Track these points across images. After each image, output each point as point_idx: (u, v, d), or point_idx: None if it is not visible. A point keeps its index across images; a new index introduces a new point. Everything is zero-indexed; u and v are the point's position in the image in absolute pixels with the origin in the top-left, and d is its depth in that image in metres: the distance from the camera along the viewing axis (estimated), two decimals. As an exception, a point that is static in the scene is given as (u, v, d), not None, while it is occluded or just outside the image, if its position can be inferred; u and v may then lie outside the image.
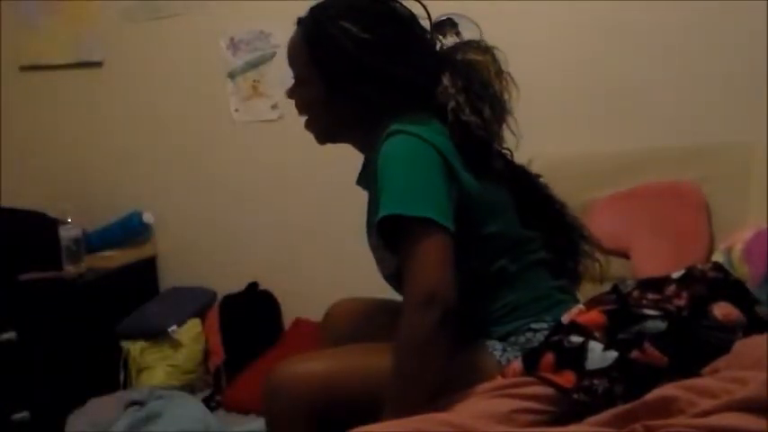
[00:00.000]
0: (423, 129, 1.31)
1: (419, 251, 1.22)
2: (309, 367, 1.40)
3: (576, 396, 1.11)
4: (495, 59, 1.43)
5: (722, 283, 1.27)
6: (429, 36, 1.43)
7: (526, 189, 1.49)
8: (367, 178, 1.48)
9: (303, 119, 1.49)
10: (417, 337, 1.21)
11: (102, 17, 2.80)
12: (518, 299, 1.37)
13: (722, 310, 1.19)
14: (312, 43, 1.40)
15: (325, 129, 1.47)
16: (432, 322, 1.20)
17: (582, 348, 1.15)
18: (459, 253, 1.25)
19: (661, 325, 1.16)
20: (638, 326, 1.16)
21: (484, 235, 1.35)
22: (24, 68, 2.93)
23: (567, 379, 1.13)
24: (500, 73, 1.42)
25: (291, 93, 1.47)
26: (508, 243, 1.39)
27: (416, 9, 1.44)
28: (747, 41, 2.07)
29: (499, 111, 1.40)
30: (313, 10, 1.45)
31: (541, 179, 1.54)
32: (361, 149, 1.51)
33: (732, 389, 0.94)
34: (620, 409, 1.01)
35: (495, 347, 1.35)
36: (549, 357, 1.17)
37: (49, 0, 2.83)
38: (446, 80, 1.36)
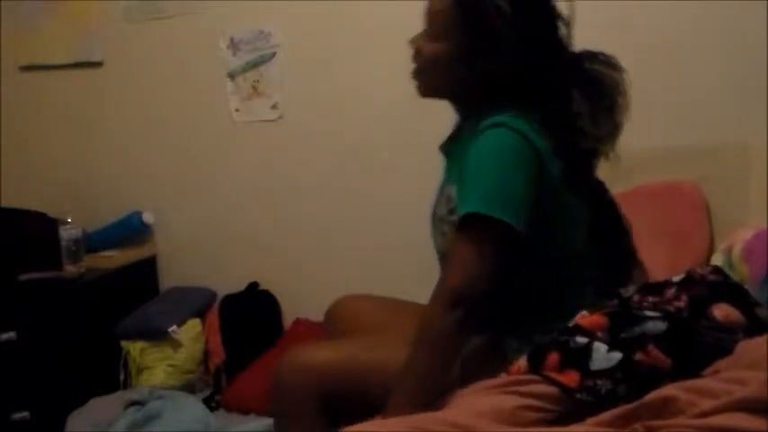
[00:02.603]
0: (527, 127, 1.31)
1: (479, 249, 1.23)
2: (319, 355, 1.41)
3: (579, 396, 1.12)
4: (623, 80, 1.44)
5: (722, 285, 1.27)
6: (564, 37, 1.44)
7: (601, 207, 1.49)
8: (451, 146, 1.50)
9: (412, 67, 1.48)
10: (436, 334, 1.23)
11: (102, 17, 2.80)
12: (552, 309, 1.35)
13: (722, 311, 1.19)
14: (463, 4, 1.38)
15: (437, 86, 1.47)
16: (453, 322, 1.22)
17: (587, 349, 1.16)
18: (516, 253, 1.26)
19: (661, 326, 1.17)
20: (639, 327, 1.17)
21: (547, 242, 1.35)
22: (24, 68, 2.93)
23: (572, 378, 1.13)
24: (624, 94, 1.43)
25: (418, 42, 1.46)
26: (566, 255, 1.40)
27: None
28: (747, 41, 2.07)
29: (614, 130, 1.41)
30: None
31: (614, 199, 1.53)
32: (459, 112, 1.51)
33: (732, 389, 0.94)
34: (621, 409, 1.01)
35: (512, 345, 1.36)
36: (554, 357, 1.17)
37: (49, 0, 2.83)
38: (574, 88, 1.38)
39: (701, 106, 2.15)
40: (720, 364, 1.09)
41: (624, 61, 2.12)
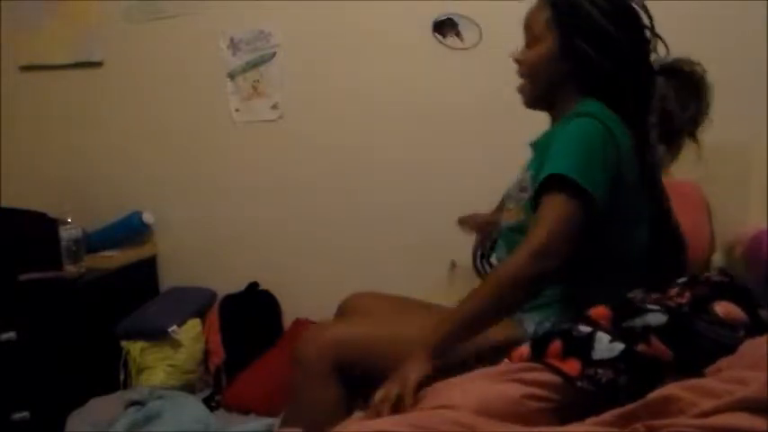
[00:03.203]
0: (612, 122, 1.42)
1: (564, 210, 1.31)
2: (337, 329, 1.51)
3: (579, 384, 1.12)
4: (703, 71, 1.60)
5: (726, 285, 1.27)
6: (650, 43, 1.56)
7: (665, 210, 1.57)
8: (539, 140, 1.59)
9: (518, 82, 1.59)
10: (518, 277, 1.29)
11: (102, 17, 2.80)
12: (587, 295, 1.36)
13: (724, 308, 1.20)
14: (557, 4, 1.51)
15: (541, 90, 1.56)
16: (539, 271, 1.29)
17: (589, 338, 1.16)
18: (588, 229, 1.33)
19: (662, 318, 1.17)
20: (640, 318, 1.17)
21: (613, 232, 1.42)
22: (24, 68, 2.93)
23: (573, 367, 1.13)
24: (707, 108, 1.58)
25: (520, 54, 1.57)
26: (627, 248, 1.47)
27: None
28: (747, 41, 2.07)
29: (699, 113, 1.57)
30: None
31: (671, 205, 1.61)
32: (553, 117, 1.59)
33: (733, 389, 0.94)
34: (622, 409, 1.01)
35: (529, 322, 1.43)
36: (556, 345, 1.17)
37: (49, 0, 2.83)
38: (662, 84, 1.53)
39: (701, 106, 2.15)
40: (722, 362, 1.09)
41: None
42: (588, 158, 1.35)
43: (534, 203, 1.38)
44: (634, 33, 1.51)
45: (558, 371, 1.14)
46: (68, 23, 2.84)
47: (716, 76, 2.15)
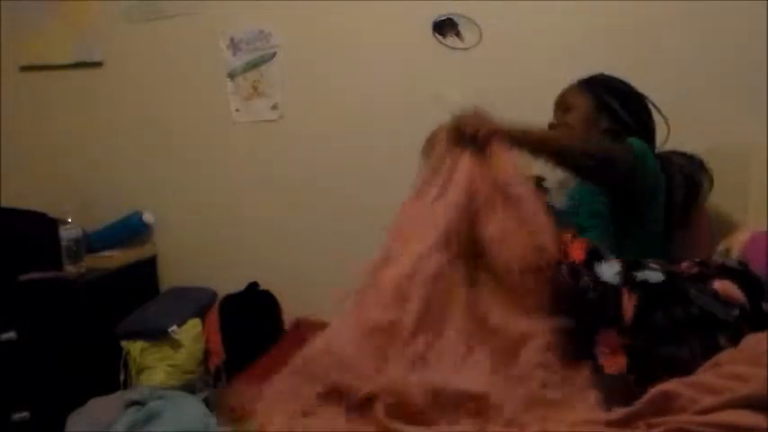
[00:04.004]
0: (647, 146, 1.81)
1: (632, 157, 1.70)
2: None
3: (586, 278, 1.27)
4: (700, 176, 1.93)
5: (738, 271, 1.32)
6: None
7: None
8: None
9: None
10: (601, 158, 1.64)
11: (102, 17, 2.81)
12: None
13: (721, 285, 1.28)
14: (587, 80, 1.94)
15: None
16: (610, 171, 1.67)
17: (600, 264, 1.33)
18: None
19: (660, 276, 1.30)
20: (641, 272, 1.31)
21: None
22: (24, 68, 2.93)
23: (578, 255, 1.32)
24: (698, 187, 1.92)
25: (558, 119, 1.92)
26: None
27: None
28: (747, 41, 2.08)
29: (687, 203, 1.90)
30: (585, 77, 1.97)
31: None
32: None
33: (733, 386, 0.95)
34: (625, 410, 1.02)
35: None
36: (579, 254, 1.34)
37: (49, 0, 2.84)
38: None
39: (701, 107, 2.16)
40: (722, 356, 1.10)
41: (624, 61, 2.14)
42: (648, 156, 1.74)
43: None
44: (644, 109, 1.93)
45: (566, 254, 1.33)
46: (68, 23, 2.84)
47: (716, 76, 2.16)
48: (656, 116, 1.95)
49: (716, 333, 1.19)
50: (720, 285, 1.28)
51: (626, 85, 1.93)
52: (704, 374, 1.05)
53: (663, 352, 1.19)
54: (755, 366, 0.97)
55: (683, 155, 1.93)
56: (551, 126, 1.91)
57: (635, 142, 1.74)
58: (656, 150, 1.92)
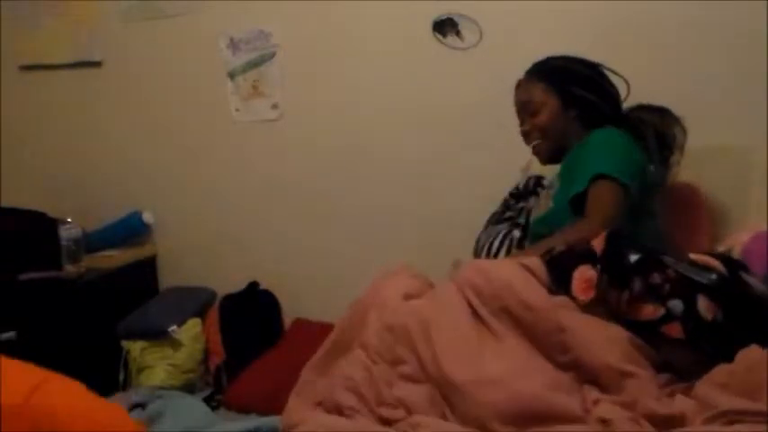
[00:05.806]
0: (627, 134, 1.81)
1: (610, 198, 1.66)
2: None
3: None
4: (670, 123, 1.90)
5: (717, 254, 1.36)
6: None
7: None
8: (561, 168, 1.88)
9: (531, 145, 1.89)
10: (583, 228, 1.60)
11: (102, 17, 2.81)
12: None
13: (698, 256, 1.32)
14: (545, 73, 1.89)
15: (556, 143, 1.85)
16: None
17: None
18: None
19: (638, 255, 1.34)
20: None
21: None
22: (24, 68, 2.93)
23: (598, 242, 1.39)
24: (669, 135, 1.89)
25: (528, 124, 1.87)
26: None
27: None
28: (747, 41, 2.07)
29: (665, 164, 1.89)
30: (537, 65, 1.93)
31: None
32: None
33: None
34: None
35: None
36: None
37: (49, 0, 2.84)
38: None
39: (701, 107, 2.15)
40: (718, 373, 1.10)
41: (624, 61, 2.14)
42: (620, 157, 1.71)
43: (578, 201, 1.67)
44: (605, 80, 1.90)
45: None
46: (68, 23, 2.84)
47: (716, 76, 2.16)
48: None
49: (695, 294, 1.23)
50: (696, 257, 1.31)
51: (578, 62, 1.90)
52: (703, 389, 1.06)
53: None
54: (754, 398, 0.99)
55: (654, 109, 1.90)
56: (524, 134, 1.88)
57: (616, 154, 1.73)
58: (624, 109, 1.91)
